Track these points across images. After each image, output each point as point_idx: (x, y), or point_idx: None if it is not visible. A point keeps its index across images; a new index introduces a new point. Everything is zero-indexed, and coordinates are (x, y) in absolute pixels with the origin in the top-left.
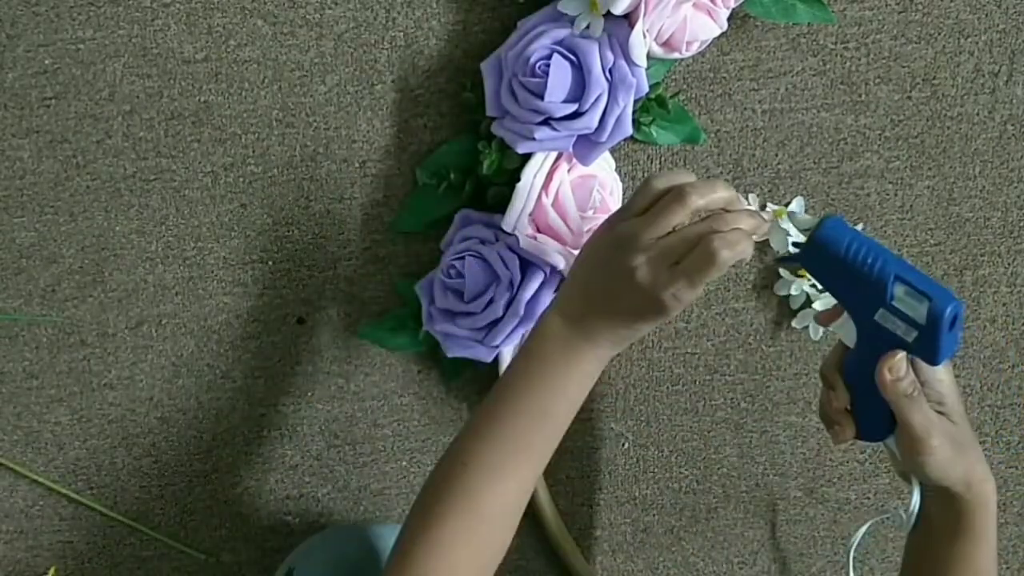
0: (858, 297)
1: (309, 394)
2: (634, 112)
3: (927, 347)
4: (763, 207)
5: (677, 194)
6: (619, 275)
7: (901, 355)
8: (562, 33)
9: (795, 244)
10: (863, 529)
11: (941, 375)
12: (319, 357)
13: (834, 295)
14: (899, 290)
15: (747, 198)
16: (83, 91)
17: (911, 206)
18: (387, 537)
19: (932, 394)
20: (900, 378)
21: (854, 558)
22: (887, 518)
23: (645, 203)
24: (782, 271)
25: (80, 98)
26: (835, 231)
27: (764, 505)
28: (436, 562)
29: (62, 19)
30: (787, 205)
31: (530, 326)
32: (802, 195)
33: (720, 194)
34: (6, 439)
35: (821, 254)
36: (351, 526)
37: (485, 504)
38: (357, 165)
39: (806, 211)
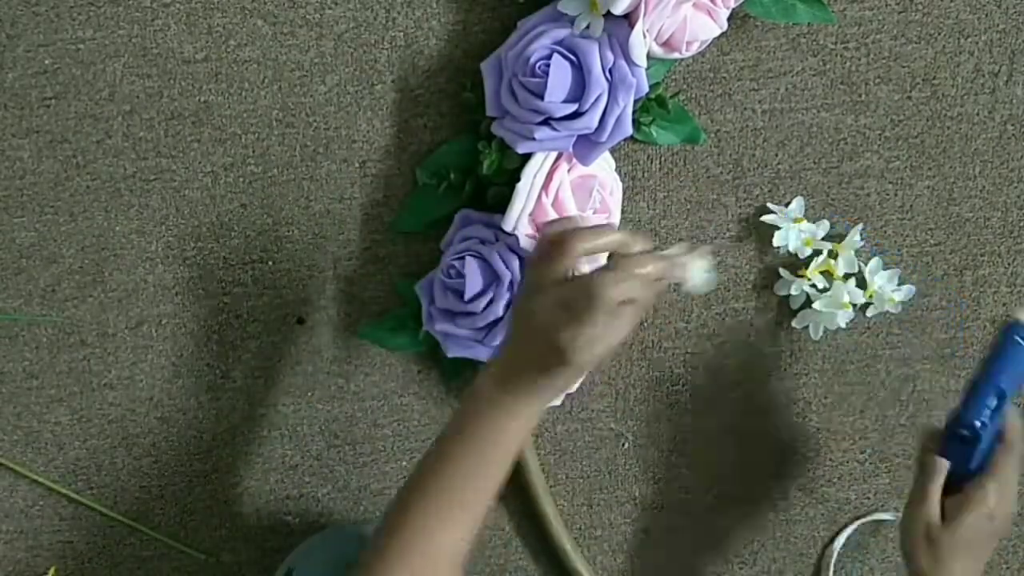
0: (1004, 382)
1: (309, 394)
2: (634, 112)
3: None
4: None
5: (562, 242)
6: (523, 322)
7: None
8: (562, 33)
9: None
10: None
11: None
12: (319, 357)
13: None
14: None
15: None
16: (83, 91)
17: (911, 206)
18: None
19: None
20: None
21: (853, 558)
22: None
23: (544, 253)
24: (782, 271)
25: (80, 98)
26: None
27: (764, 505)
28: None
29: (62, 19)
30: (787, 205)
31: None
32: (802, 195)
33: (609, 238)
34: (6, 439)
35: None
36: (351, 526)
37: (430, 549)
38: (357, 165)
39: (806, 211)
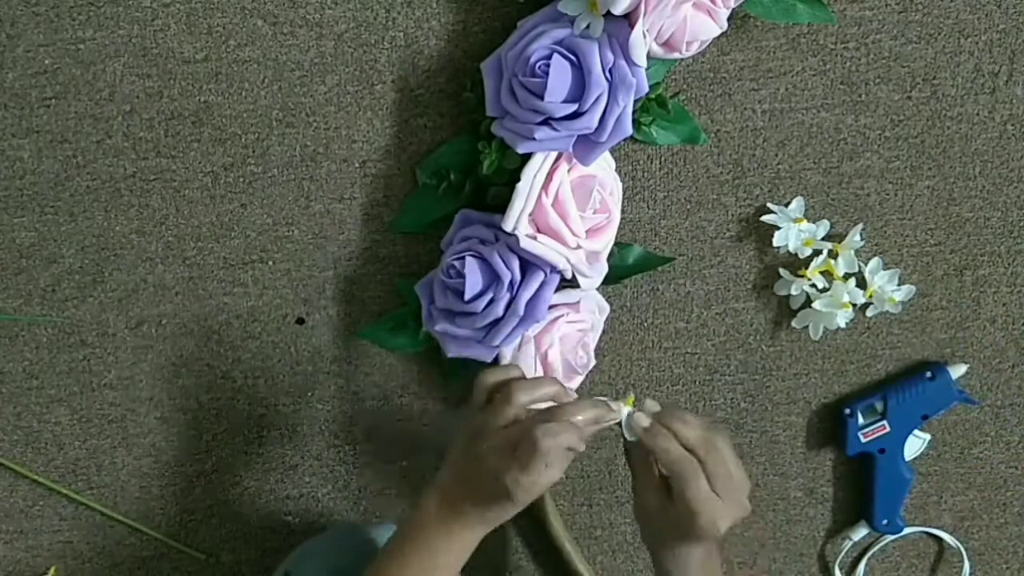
0: None
1: (309, 394)
2: (634, 112)
3: None
4: (624, 398)
5: (505, 393)
6: (474, 463)
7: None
8: (562, 33)
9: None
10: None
11: None
12: (319, 357)
13: None
14: None
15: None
16: (83, 91)
17: (911, 206)
18: (385, 539)
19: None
20: None
21: (854, 557)
22: None
23: (483, 397)
24: (782, 271)
25: (80, 98)
26: None
27: (764, 505)
28: None
29: (62, 19)
30: (787, 205)
31: (530, 326)
32: (802, 195)
33: (546, 389)
34: (6, 439)
35: None
36: (348, 529)
37: None
38: (357, 165)
39: (806, 211)
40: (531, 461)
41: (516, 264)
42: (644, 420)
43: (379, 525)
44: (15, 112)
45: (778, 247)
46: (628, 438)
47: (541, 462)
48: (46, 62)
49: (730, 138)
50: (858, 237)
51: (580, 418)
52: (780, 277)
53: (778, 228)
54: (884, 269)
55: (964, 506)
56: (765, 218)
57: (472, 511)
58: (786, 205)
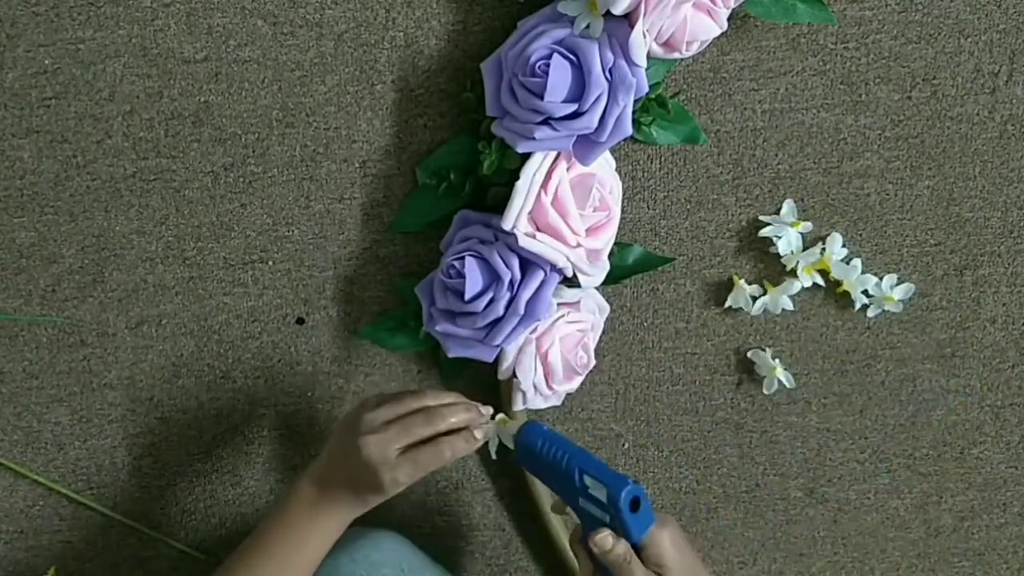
0: (564, 488)
1: (309, 394)
2: (634, 112)
3: (620, 526)
4: (493, 416)
5: (416, 394)
6: (352, 451)
7: (604, 533)
8: (562, 33)
9: (501, 446)
10: None
11: (657, 539)
12: (319, 357)
13: (550, 487)
14: (588, 480)
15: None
16: (83, 91)
17: (911, 206)
18: (382, 546)
19: (652, 557)
20: (608, 550)
21: (852, 558)
22: None
23: (376, 399)
24: (783, 271)
25: (80, 98)
26: (532, 435)
27: (764, 505)
28: None
29: (62, 19)
30: (777, 212)
31: (531, 325)
32: (802, 195)
33: (448, 399)
34: (6, 439)
35: (527, 455)
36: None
37: None
38: (357, 165)
39: (799, 214)
40: (431, 466)
41: (516, 263)
42: (513, 428)
43: (375, 535)
44: (15, 112)
45: (782, 255)
46: (494, 448)
47: (435, 467)
48: (46, 62)
49: (730, 138)
50: (839, 246)
51: (454, 420)
52: (780, 277)
53: (778, 238)
54: (885, 271)
55: (964, 506)
56: (764, 232)
57: (341, 495)
58: (777, 211)
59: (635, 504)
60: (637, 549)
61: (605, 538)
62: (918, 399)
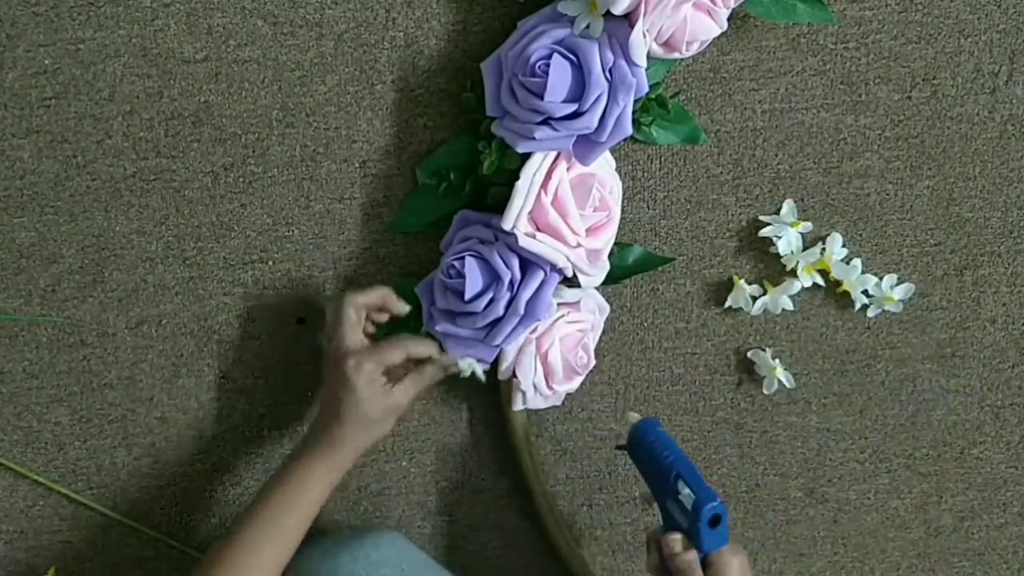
0: (657, 485)
1: (309, 394)
2: (634, 112)
3: (695, 536)
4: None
5: (394, 340)
6: (339, 378)
7: (678, 536)
8: (562, 33)
9: (619, 447)
10: None
11: (725, 561)
12: (319, 357)
13: (645, 480)
14: (680, 485)
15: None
16: (83, 91)
17: (911, 206)
18: (382, 546)
19: (715, 573)
20: (676, 553)
21: (852, 558)
22: None
23: (355, 317)
24: (783, 271)
25: (80, 98)
26: (646, 431)
27: (764, 505)
28: None
29: (62, 19)
30: (777, 212)
31: (531, 324)
32: (802, 195)
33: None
34: (6, 439)
35: (637, 446)
36: (347, 533)
37: (259, 561)
38: (357, 165)
39: (799, 214)
40: (416, 381)
41: (516, 263)
42: (634, 418)
43: (376, 534)
44: (15, 112)
45: (782, 255)
46: (481, 373)
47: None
48: (46, 62)
49: (730, 138)
50: (839, 246)
51: (423, 349)
52: (781, 277)
53: (779, 237)
54: (885, 271)
55: (964, 506)
56: (764, 232)
57: (338, 434)
58: (777, 212)
59: (715, 520)
60: (704, 565)
61: (676, 541)
62: (918, 399)
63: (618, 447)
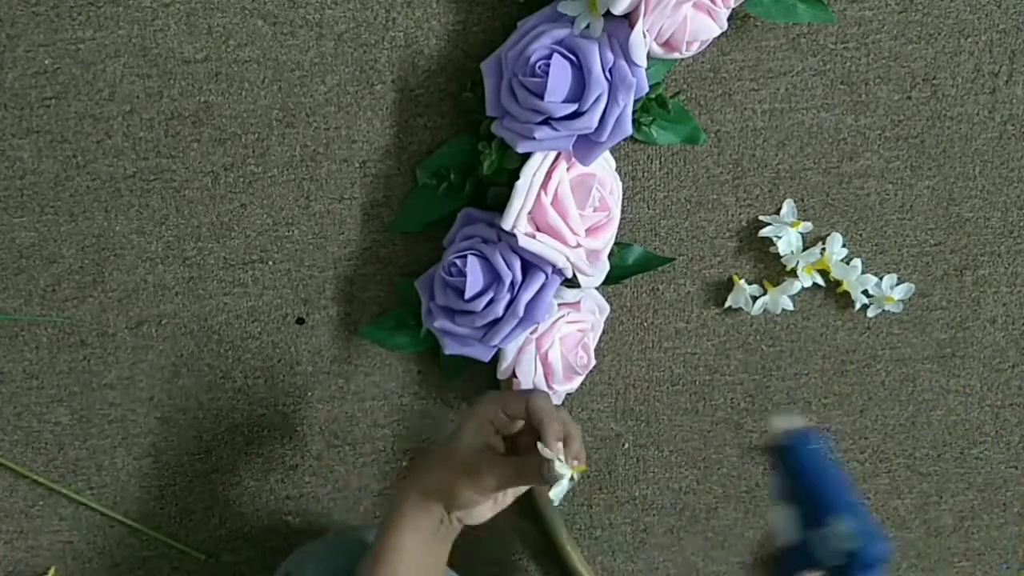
0: (803, 507)
1: (309, 394)
2: (634, 112)
3: None
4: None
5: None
6: (467, 463)
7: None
8: (562, 33)
9: (772, 447)
10: None
11: None
12: (319, 357)
13: (781, 494)
14: (842, 520)
15: None
16: (83, 91)
17: (911, 206)
18: None
19: None
20: None
21: None
22: None
23: (520, 413)
24: (783, 271)
25: (80, 98)
26: (808, 443)
27: (764, 505)
28: None
29: (62, 19)
30: (777, 211)
31: (529, 327)
32: (802, 195)
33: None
34: (6, 439)
35: (791, 456)
36: (348, 533)
37: None
38: (357, 165)
39: (799, 214)
40: (523, 481)
41: (518, 265)
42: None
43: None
44: (15, 112)
45: (782, 255)
46: (559, 497)
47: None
48: (46, 62)
49: (730, 138)
50: (839, 246)
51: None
52: (781, 277)
53: (779, 238)
54: (885, 271)
55: (964, 506)
56: (764, 232)
57: (435, 493)
58: (777, 212)
59: (871, 568)
60: None
61: None
62: (918, 399)
63: (766, 447)
